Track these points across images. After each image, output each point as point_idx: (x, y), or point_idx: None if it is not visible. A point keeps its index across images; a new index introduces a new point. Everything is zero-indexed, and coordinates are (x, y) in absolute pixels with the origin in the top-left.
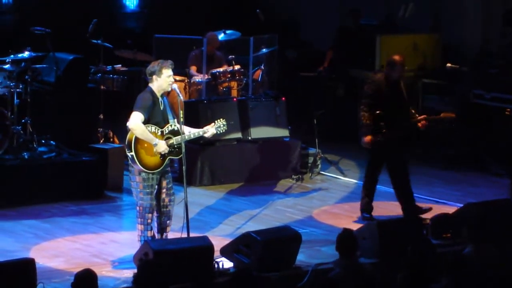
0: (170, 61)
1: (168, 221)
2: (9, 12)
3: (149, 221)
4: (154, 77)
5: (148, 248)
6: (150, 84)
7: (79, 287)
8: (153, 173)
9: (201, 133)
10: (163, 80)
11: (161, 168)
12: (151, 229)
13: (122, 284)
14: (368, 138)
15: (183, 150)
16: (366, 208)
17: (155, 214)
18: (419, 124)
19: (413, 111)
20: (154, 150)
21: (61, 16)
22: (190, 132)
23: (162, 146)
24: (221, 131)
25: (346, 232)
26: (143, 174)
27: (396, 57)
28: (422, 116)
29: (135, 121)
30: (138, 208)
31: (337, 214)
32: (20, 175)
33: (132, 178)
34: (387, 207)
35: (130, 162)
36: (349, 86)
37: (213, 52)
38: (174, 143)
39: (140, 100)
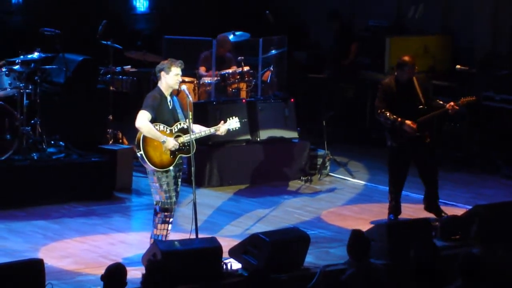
0: (180, 61)
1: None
2: (19, 13)
3: (166, 219)
4: (162, 73)
5: (156, 249)
6: (158, 84)
7: (109, 279)
8: (167, 171)
9: (212, 130)
10: (171, 78)
11: (172, 165)
12: (167, 227)
13: (130, 285)
14: (410, 122)
15: (193, 148)
16: (394, 211)
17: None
18: (450, 110)
19: (440, 101)
20: (163, 147)
21: (70, 17)
22: (200, 130)
23: (171, 143)
24: (234, 129)
25: (358, 234)
26: (158, 173)
27: (406, 58)
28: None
29: (141, 120)
30: (155, 207)
31: (346, 215)
32: (29, 176)
33: (150, 178)
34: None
35: (140, 161)
36: (359, 87)
37: (223, 54)
38: (184, 141)
39: (147, 99)
